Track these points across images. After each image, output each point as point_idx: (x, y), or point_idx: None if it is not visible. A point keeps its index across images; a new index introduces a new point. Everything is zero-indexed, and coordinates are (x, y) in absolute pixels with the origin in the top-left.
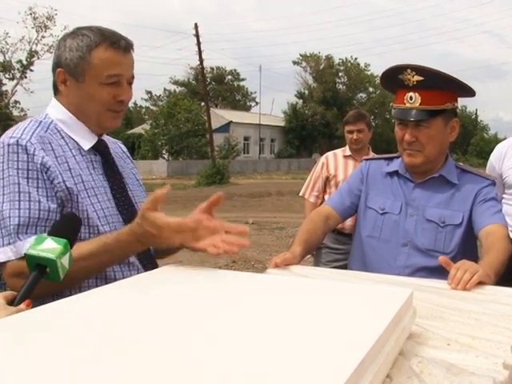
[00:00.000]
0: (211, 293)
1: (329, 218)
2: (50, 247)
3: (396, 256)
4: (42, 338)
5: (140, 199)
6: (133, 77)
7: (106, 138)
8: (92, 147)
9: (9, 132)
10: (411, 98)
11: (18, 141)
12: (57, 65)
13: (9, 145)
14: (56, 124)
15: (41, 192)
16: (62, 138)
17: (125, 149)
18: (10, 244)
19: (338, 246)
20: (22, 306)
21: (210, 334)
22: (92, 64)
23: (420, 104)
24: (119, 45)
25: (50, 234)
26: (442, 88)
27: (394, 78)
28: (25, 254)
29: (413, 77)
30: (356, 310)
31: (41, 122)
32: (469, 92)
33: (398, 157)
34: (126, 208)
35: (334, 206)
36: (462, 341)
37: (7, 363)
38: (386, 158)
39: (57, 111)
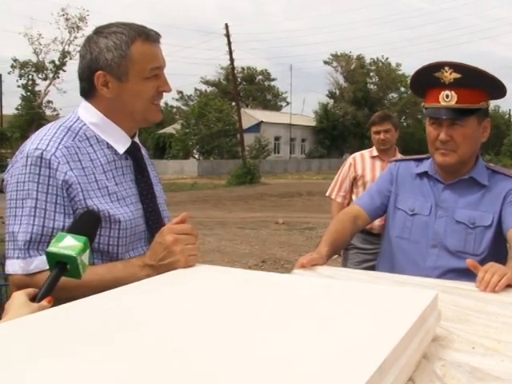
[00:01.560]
0: (235, 294)
1: (358, 218)
2: (70, 244)
3: (425, 257)
4: (74, 337)
5: (163, 206)
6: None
7: (136, 140)
8: (125, 151)
9: (35, 139)
10: (447, 96)
11: (42, 154)
12: (95, 68)
13: (33, 157)
14: (87, 129)
15: (58, 209)
16: (91, 145)
17: (144, 150)
18: (19, 258)
19: (367, 246)
20: (44, 302)
21: (234, 335)
22: (134, 60)
23: (456, 102)
24: (152, 37)
25: (70, 231)
26: (479, 86)
27: (429, 76)
28: (46, 251)
29: (450, 74)
30: (379, 312)
31: (70, 127)
32: (502, 90)
33: (427, 158)
34: (153, 214)
35: (364, 206)
36: (487, 344)
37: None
38: (415, 159)
39: (90, 115)
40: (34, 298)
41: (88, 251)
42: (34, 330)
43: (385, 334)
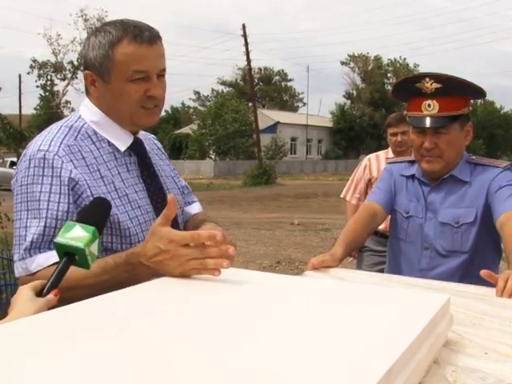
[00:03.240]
0: (244, 295)
1: (376, 214)
2: (78, 235)
3: (420, 259)
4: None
5: (174, 192)
6: (164, 69)
7: (140, 134)
8: (128, 147)
9: (37, 141)
10: (429, 105)
11: (44, 154)
12: (85, 67)
13: (35, 159)
14: (88, 127)
15: (61, 207)
16: (93, 143)
17: (159, 145)
18: (21, 260)
19: (381, 248)
20: (51, 295)
21: (243, 337)
22: (116, 61)
23: (438, 111)
24: (142, 37)
25: (79, 220)
26: (459, 94)
27: (410, 86)
28: (54, 241)
29: (431, 85)
30: (389, 315)
31: (71, 126)
32: (481, 94)
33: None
34: (163, 209)
35: (379, 201)
36: (501, 350)
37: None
38: (408, 161)
39: (90, 113)
40: (40, 292)
41: (97, 241)
42: (31, 334)
43: (394, 337)
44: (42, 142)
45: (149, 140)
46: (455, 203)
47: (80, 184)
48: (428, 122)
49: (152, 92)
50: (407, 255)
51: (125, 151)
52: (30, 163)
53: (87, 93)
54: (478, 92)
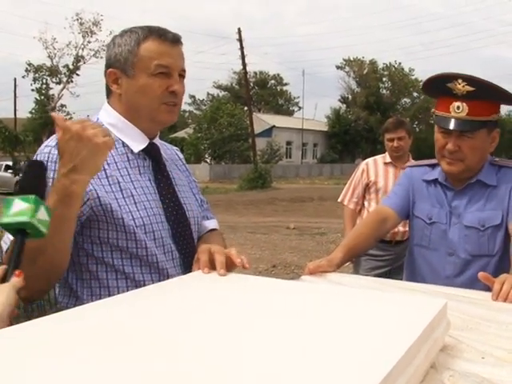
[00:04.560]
0: (240, 300)
1: (387, 219)
2: (20, 209)
3: (444, 265)
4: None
5: (191, 207)
6: (184, 70)
7: (160, 143)
8: (143, 151)
9: (50, 139)
10: (458, 107)
11: (51, 150)
12: (108, 66)
13: (41, 154)
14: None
15: None
16: None
17: (181, 156)
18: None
19: (379, 252)
20: (14, 277)
21: (241, 341)
22: (140, 56)
23: (467, 114)
24: (166, 36)
25: (16, 193)
26: (490, 99)
27: (441, 85)
28: (0, 223)
29: (463, 87)
30: (386, 320)
31: None
32: (511, 102)
33: (439, 164)
34: (175, 214)
35: (393, 206)
36: (498, 354)
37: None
38: (428, 165)
39: (108, 115)
40: (4, 278)
41: (42, 207)
42: (31, 339)
43: (392, 342)
44: (52, 139)
45: (171, 150)
46: (480, 206)
47: None
48: (454, 124)
49: (174, 87)
50: (430, 263)
51: (139, 154)
52: (36, 157)
53: (108, 95)
54: (509, 99)
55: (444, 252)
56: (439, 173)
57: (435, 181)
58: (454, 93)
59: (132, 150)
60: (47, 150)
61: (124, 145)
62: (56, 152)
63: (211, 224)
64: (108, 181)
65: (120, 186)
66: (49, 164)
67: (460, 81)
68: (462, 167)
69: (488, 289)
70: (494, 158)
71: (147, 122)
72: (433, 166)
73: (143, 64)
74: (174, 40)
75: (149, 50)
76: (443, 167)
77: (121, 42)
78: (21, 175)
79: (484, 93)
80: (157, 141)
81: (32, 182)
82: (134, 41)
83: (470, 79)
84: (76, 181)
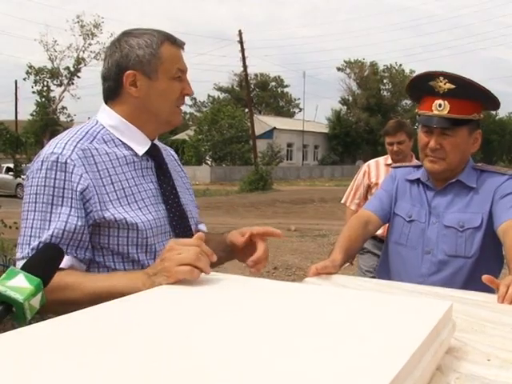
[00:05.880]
0: (245, 303)
1: (368, 223)
2: (19, 285)
3: (420, 263)
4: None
5: (189, 207)
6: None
7: (157, 143)
8: (145, 152)
9: (52, 143)
10: (440, 105)
11: (58, 158)
12: (124, 66)
13: (48, 161)
14: (106, 132)
15: (73, 212)
16: (109, 147)
17: (175, 156)
18: (24, 258)
19: (378, 251)
20: None
21: (245, 344)
22: (163, 59)
23: (448, 112)
24: (176, 41)
25: (24, 268)
26: (471, 98)
27: (424, 84)
28: None
29: (444, 84)
30: (392, 323)
31: (88, 131)
32: (495, 103)
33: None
34: (178, 215)
35: (374, 210)
36: (504, 356)
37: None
38: (414, 166)
39: (109, 117)
40: None
41: (40, 294)
42: (30, 343)
43: (398, 346)
44: (57, 144)
45: (166, 150)
46: (461, 208)
47: (89, 189)
48: (435, 121)
49: (187, 91)
50: (407, 260)
51: (142, 156)
52: (42, 165)
53: (110, 98)
54: (492, 101)
55: (421, 250)
56: (422, 173)
57: (417, 180)
58: (436, 91)
59: (136, 153)
60: (54, 158)
61: (127, 148)
62: (64, 160)
63: (203, 228)
64: (113, 187)
65: (125, 192)
66: (57, 173)
67: (441, 78)
68: (444, 166)
69: (488, 290)
70: (478, 164)
71: (160, 125)
72: (418, 167)
73: (166, 67)
74: (182, 44)
75: (169, 53)
76: (426, 166)
77: (140, 42)
78: (36, 252)
79: (465, 91)
80: (156, 142)
81: (44, 264)
82: (156, 43)
83: (450, 76)
84: (153, 283)
